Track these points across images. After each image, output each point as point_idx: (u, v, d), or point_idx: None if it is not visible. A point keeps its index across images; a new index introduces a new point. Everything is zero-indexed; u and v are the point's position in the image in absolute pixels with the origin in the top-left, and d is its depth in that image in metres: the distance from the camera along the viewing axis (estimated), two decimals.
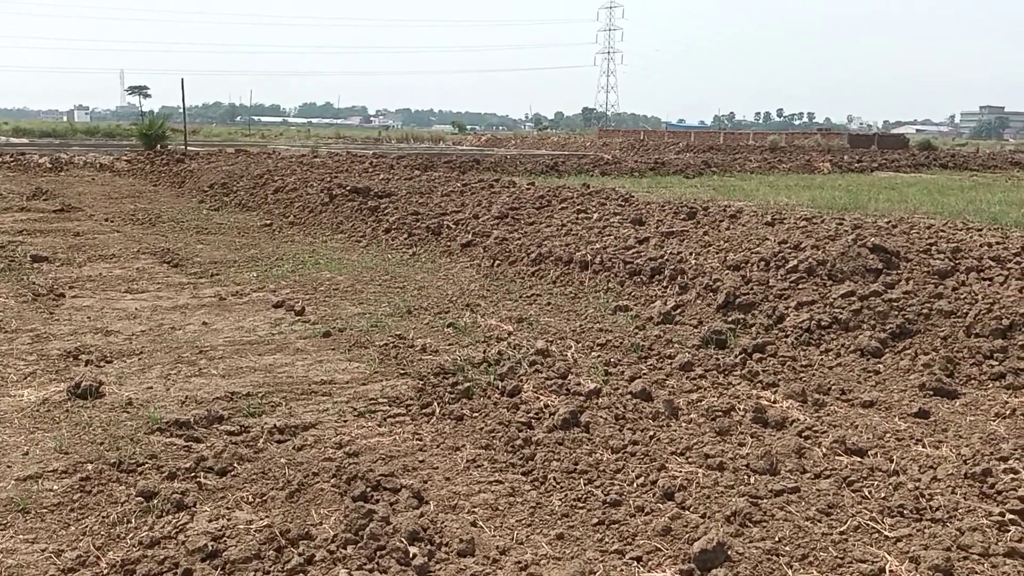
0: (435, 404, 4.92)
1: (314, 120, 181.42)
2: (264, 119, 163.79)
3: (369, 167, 20.17)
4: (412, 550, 3.23)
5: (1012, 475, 3.66)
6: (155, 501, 3.58)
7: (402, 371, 5.60)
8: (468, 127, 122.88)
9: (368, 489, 3.67)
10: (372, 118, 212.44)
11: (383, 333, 6.55)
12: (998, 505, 3.47)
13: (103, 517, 3.51)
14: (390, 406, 4.95)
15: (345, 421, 4.71)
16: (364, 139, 63.24)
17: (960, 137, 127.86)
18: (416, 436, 4.49)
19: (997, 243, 7.61)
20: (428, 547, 3.26)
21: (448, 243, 10.63)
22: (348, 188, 14.11)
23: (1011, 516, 3.36)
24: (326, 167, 19.74)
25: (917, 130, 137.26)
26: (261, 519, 3.47)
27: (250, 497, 3.68)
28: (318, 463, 4.02)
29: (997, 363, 5.37)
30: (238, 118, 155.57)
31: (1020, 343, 5.48)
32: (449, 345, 6.26)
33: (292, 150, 33.55)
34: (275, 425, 4.53)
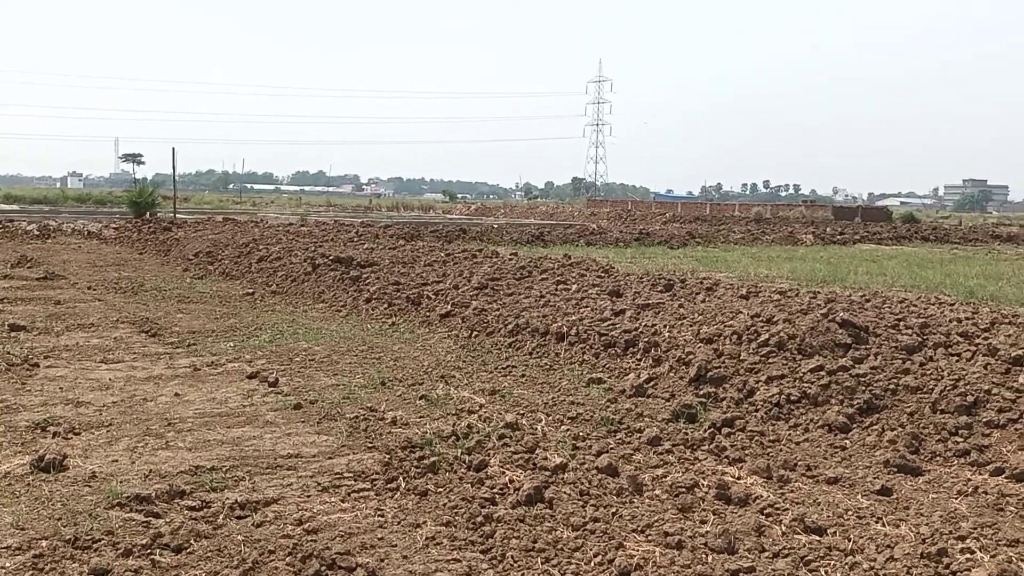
0: (400, 479, 4.91)
1: (306, 188, 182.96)
2: (257, 187, 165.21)
3: (355, 236, 20.34)
4: None
5: (968, 555, 3.67)
6: None
7: (370, 444, 5.59)
8: (459, 196, 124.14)
9: (323, 568, 3.65)
10: (364, 186, 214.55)
11: (354, 405, 6.55)
12: None
13: None
14: (355, 481, 4.94)
15: (308, 496, 4.68)
16: (355, 207, 63.80)
17: (944, 209, 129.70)
18: (378, 512, 4.46)
19: (967, 318, 7.69)
20: None
21: (427, 313, 10.68)
22: (331, 258, 14.22)
23: None
24: (312, 236, 19.89)
25: (901, 202, 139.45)
26: None
27: (204, 575, 3.65)
28: (276, 540, 3.99)
29: (962, 439, 5.40)
30: (231, 186, 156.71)
31: (984, 420, 5.52)
32: (420, 418, 6.26)
33: (281, 218, 33.80)
34: (236, 500, 4.50)
